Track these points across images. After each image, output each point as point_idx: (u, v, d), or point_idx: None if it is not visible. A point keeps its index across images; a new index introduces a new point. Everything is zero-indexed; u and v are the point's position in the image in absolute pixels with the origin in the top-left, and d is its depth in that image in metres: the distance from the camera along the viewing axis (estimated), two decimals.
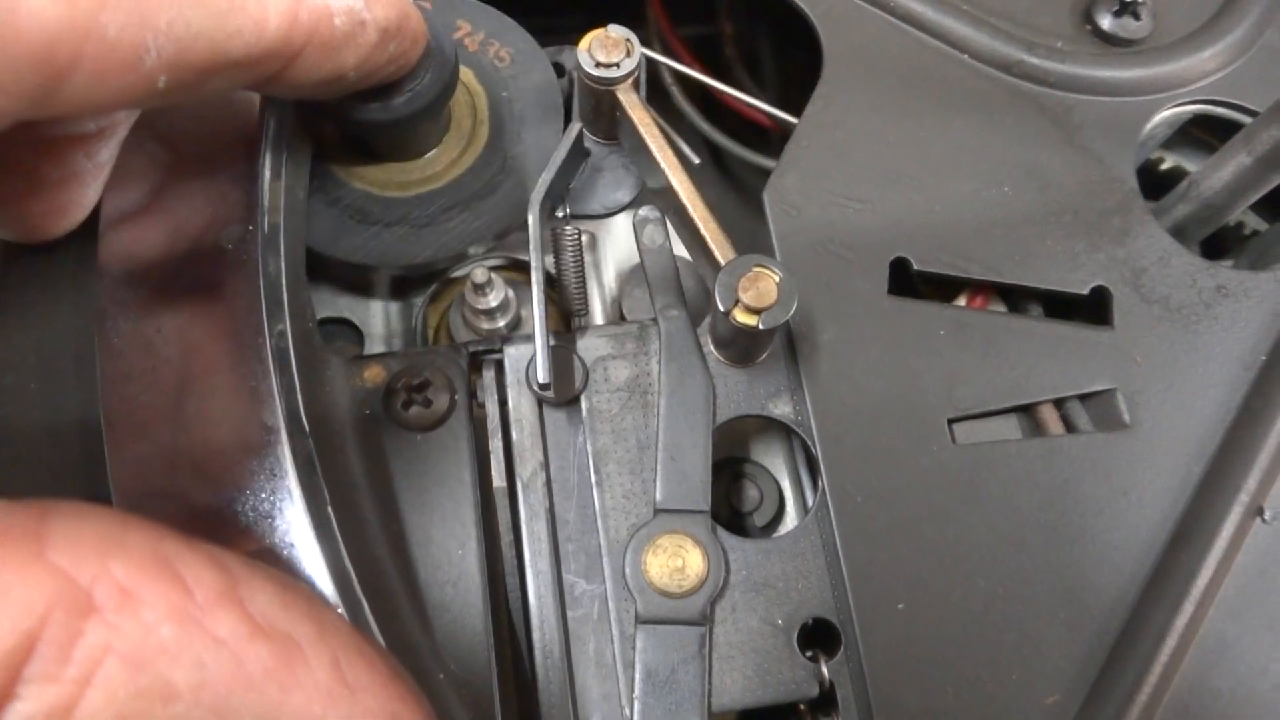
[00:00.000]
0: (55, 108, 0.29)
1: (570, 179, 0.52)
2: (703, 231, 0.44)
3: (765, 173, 0.50)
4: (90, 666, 0.23)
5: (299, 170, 0.46)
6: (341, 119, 0.43)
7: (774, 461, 0.53)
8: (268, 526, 0.36)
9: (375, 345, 0.53)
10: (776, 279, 0.40)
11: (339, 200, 0.49)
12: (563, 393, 0.44)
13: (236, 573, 0.27)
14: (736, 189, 0.75)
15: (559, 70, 0.55)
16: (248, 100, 0.43)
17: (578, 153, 0.50)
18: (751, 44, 0.73)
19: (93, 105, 0.29)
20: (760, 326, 0.40)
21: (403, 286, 0.55)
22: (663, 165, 0.46)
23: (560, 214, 0.51)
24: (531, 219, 0.45)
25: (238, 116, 0.43)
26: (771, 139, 0.72)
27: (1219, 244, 0.59)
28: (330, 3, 0.34)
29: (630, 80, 0.47)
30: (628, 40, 0.47)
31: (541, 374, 0.41)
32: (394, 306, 0.54)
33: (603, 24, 0.48)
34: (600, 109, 0.49)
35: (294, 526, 0.36)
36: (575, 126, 0.49)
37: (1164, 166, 0.58)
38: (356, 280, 0.54)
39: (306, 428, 0.38)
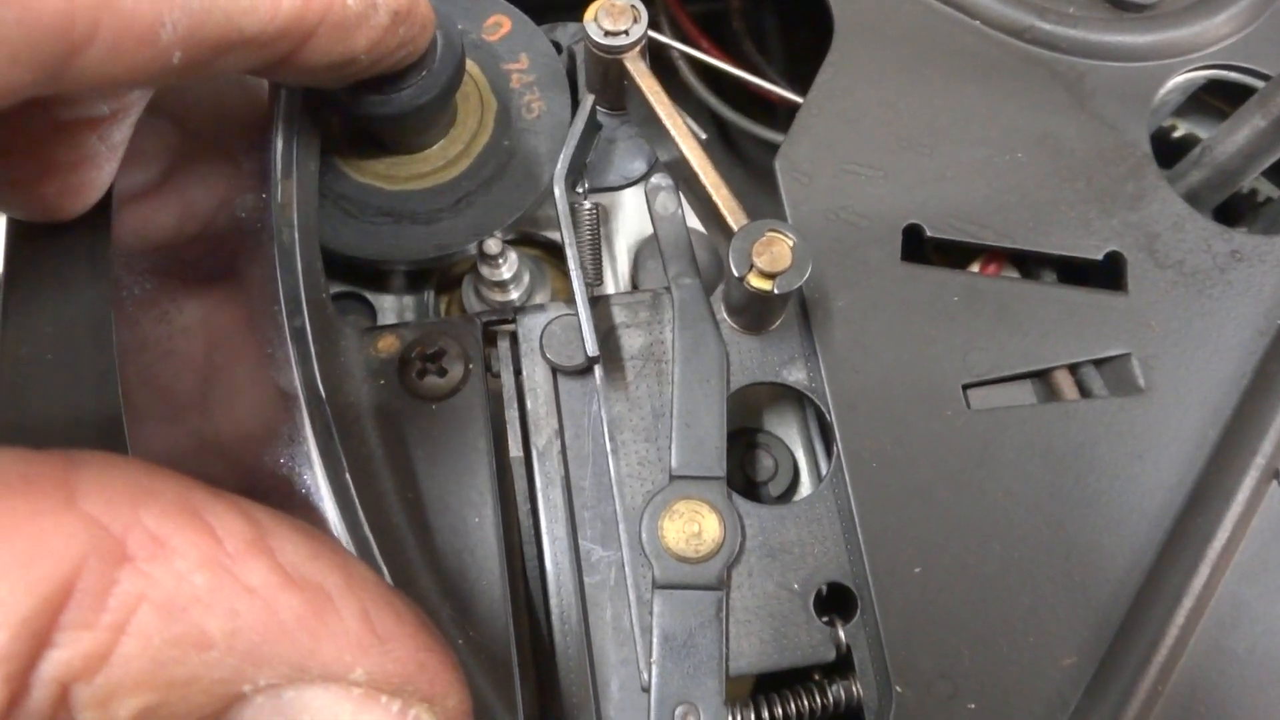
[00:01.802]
0: (70, 81, 0.28)
1: (587, 152, 0.52)
2: (714, 198, 0.44)
3: (772, 147, 0.50)
4: (125, 614, 0.23)
5: (310, 141, 0.46)
6: (349, 111, 0.43)
7: (788, 431, 0.53)
8: (287, 491, 0.36)
9: (387, 318, 0.53)
10: (790, 243, 0.40)
11: (348, 196, 0.49)
12: (577, 361, 0.44)
13: (265, 523, 0.27)
14: (744, 163, 0.75)
15: (555, 47, 0.55)
16: (259, 80, 0.43)
17: (592, 125, 0.50)
18: (758, 17, 0.73)
19: (107, 80, 0.29)
20: (775, 291, 0.40)
21: (415, 275, 0.55)
22: (673, 134, 0.46)
23: (579, 189, 0.51)
24: (558, 193, 0.45)
25: (249, 94, 0.43)
26: (778, 112, 0.72)
27: (1233, 211, 0.59)
28: None
29: (637, 48, 0.47)
30: (633, 7, 0.47)
31: (589, 346, 0.41)
32: (404, 278, 0.54)
33: None
34: (608, 79, 0.49)
35: (313, 493, 0.36)
36: (589, 99, 0.49)
37: (1177, 134, 0.58)
38: (367, 271, 0.54)
39: (323, 395, 0.38)
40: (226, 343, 0.38)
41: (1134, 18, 0.53)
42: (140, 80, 0.30)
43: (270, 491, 0.36)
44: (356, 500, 0.37)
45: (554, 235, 0.55)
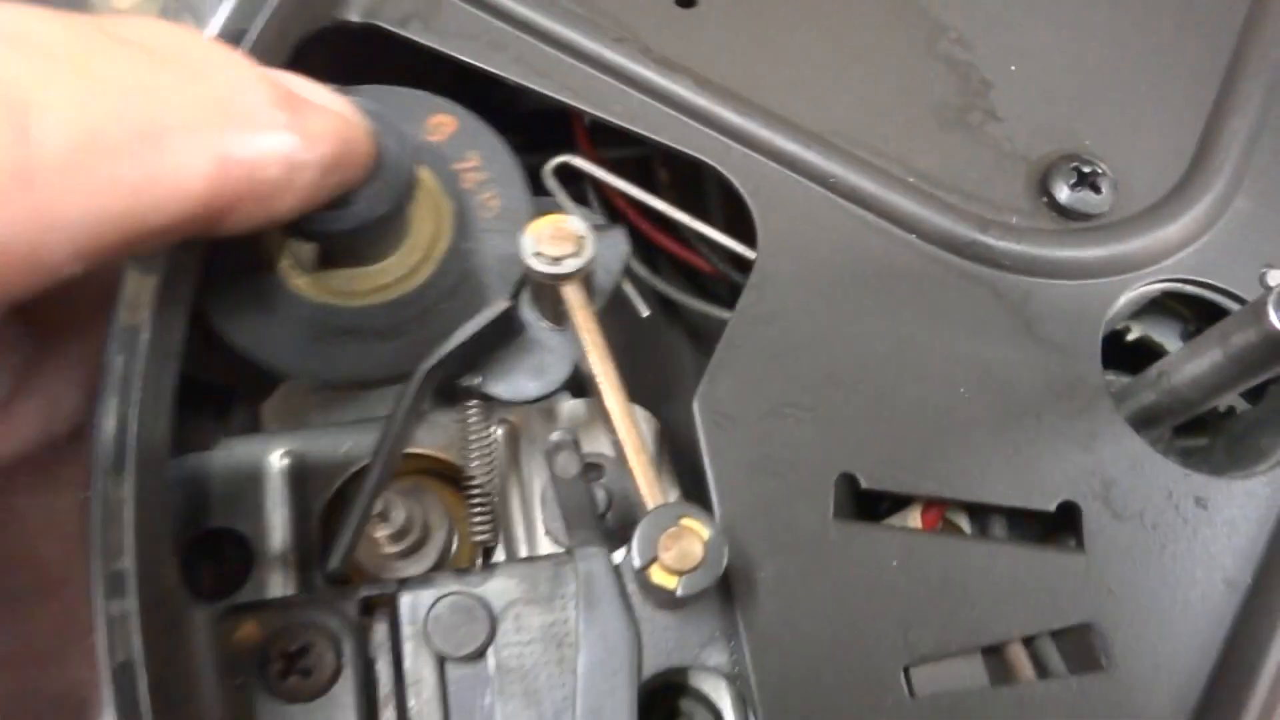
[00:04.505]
0: None
1: (485, 353, 0.46)
2: (632, 464, 0.39)
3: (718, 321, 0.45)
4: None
5: (167, 342, 0.40)
6: (290, 229, 0.39)
7: (715, 684, 0.48)
8: None
9: (269, 561, 0.47)
10: (705, 538, 0.35)
11: (305, 318, 0.44)
12: (468, 650, 0.39)
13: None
14: (687, 334, 0.71)
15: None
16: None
17: (501, 329, 0.45)
18: (694, 186, 0.69)
19: None
20: (679, 593, 0.34)
21: (301, 487, 0.49)
22: (602, 385, 0.41)
23: (470, 384, 0.45)
24: (409, 390, 0.41)
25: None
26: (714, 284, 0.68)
27: (1193, 418, 0.55)
28: (262, 152, 0.31)
29: (578, 277, 0.42)
30: (580, 238, 0.41)
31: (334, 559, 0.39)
32: (289, 514, 0.48)
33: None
34: (543, 296, 0.44)
35: None
36: (500, 306, 0.44)
37: (1130, 337, 0.54)
38: (248, 487, 0.48)
39: None
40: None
41: (1081, 228, 0.49)
42: (30, 294, 0.28)
43: None
44: None
45: (447, 456, 0.50)
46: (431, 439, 0.50)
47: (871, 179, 0.48)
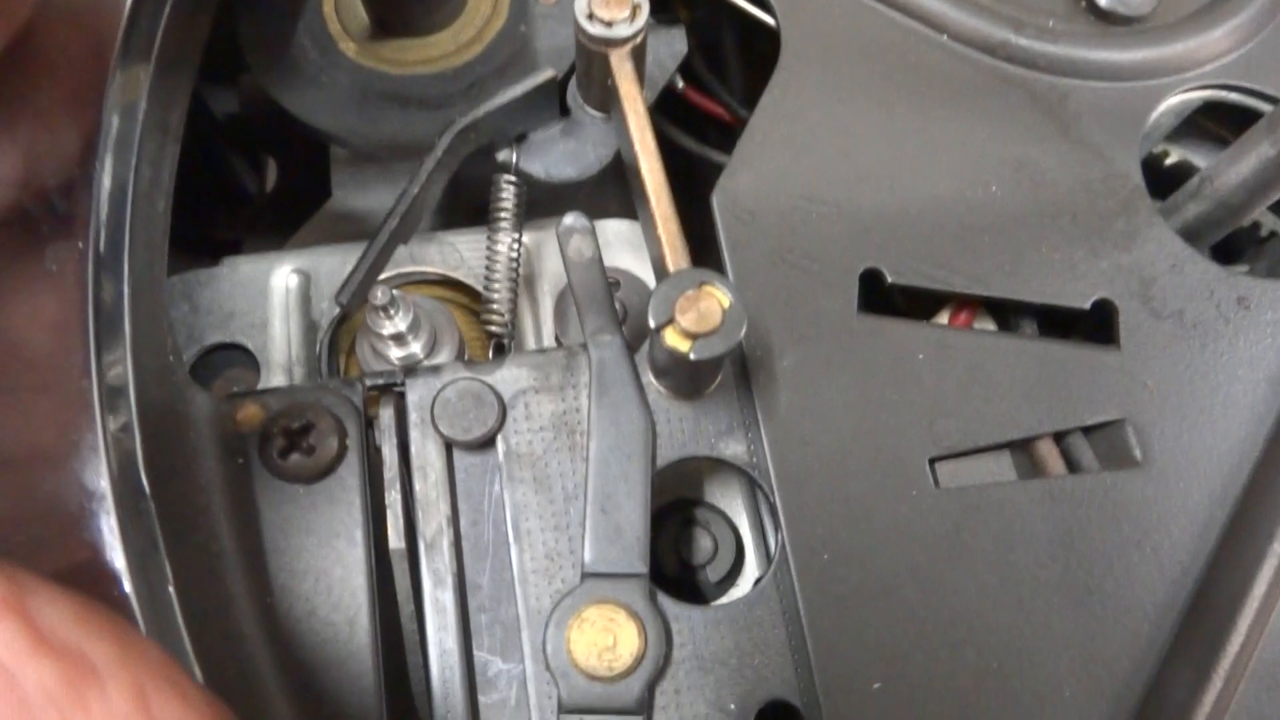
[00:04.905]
0: None
1: (522, 127, 0.46)
2: (660, 232, 0.38)
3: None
4: None
5: (166, 119, 0.38)
6: None
7: (731, 502, 0.46)
8: None
9: (274, 376, 0.46)
10: (724, 303, 0.33)
11: (350, 81, 0.45)
12: (475, 434, 0.37)
13: (26, 583, 0.22)
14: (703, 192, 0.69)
15: None
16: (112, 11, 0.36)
17: (543, 103, 0.45)
18: (714, 32, 0.67)
19: None
20: (691, 355, 0.33)
21: (307, 304, 0.48)
22: (637, 148, 0.40)
23: (506, 159, 0.45)
24: (442, 141, 0.41)
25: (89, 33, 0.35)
26: (736, 135, 0.66)
27: (1231, 248, 0.53)
28: None
29: (628, 46, 0.41)
30: (636, 5, 0.40)
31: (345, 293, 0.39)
32: (296, 330, 0.47)
33: None
34: (592, 73, 0.43)
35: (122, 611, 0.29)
36: (545, 74, 0.44)
37: (1169, 161, 0.52)
38: (255, 302, 0.47)
39: (147, 489, 0.31)
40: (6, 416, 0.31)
41: (1122, 32, 0.46)
42: None
43: None
44: (180, 619, 0.30)
45: (459, 275, 0.48)
46: (444, 260, 0.49)
47: None
